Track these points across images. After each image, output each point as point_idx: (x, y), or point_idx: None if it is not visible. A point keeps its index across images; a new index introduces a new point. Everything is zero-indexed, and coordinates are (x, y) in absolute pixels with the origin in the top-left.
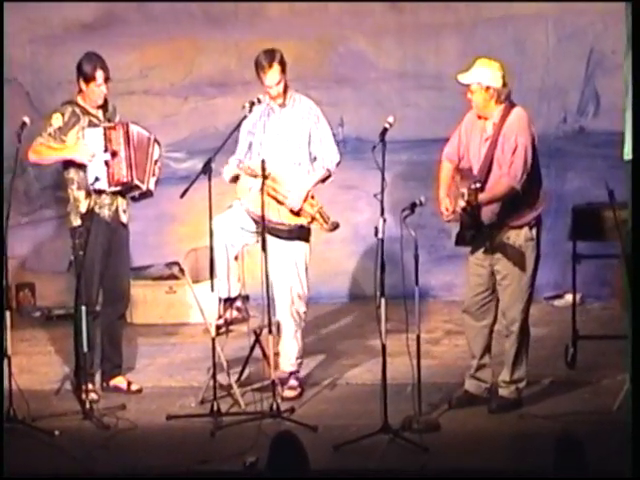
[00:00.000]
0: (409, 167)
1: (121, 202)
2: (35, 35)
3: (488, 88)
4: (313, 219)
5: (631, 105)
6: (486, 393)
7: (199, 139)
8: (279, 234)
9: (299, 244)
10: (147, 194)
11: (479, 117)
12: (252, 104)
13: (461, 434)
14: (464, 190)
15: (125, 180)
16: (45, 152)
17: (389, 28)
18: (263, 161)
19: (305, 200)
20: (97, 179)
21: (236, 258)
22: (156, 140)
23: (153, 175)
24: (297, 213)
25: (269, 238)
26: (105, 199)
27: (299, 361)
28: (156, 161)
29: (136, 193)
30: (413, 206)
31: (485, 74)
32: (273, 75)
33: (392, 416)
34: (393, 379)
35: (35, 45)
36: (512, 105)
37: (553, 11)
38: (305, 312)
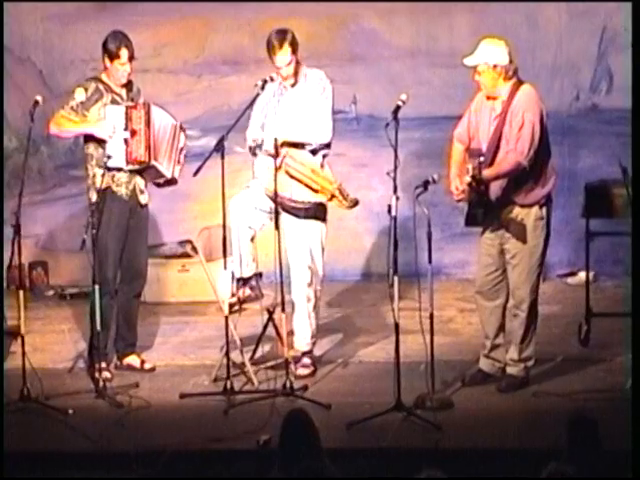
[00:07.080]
0: (422, 145)
1: (139, 182)
2: (48, 13)
3: (495, 66)
4: (333, 196)
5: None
6: (500, 372)
7: (213, 117)
8: (296, 213)
9: (315, 223)
10: (172, 182)
11: (488, 98)
12: (265, 82)
13: (474, 412)
14: (469, 165)
15: (142, 159)
16: (66, 124)
17: (401, 6)
18: (276, 139)
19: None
20: (110, 157)
21: (252, 239)
22: (182, 128)
23: (178, 163)
24: (316, 190)
25: (286, 217)
26: (122, 177)
27: (313, 340)
28: (181, 149)
29: (161, 180)
30: (426, 184)
31: (490, 53)
32: (284, 56)
33: (405, 394)
34: (406, 357)
35: (48, 23)
36: (520, 82)
37: None
38: (320, 291)
